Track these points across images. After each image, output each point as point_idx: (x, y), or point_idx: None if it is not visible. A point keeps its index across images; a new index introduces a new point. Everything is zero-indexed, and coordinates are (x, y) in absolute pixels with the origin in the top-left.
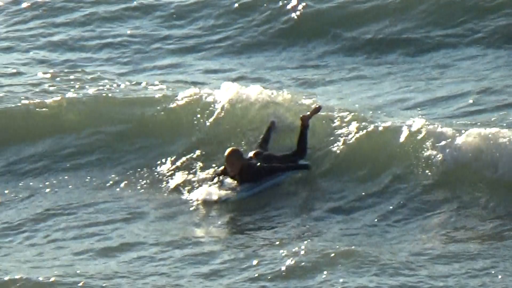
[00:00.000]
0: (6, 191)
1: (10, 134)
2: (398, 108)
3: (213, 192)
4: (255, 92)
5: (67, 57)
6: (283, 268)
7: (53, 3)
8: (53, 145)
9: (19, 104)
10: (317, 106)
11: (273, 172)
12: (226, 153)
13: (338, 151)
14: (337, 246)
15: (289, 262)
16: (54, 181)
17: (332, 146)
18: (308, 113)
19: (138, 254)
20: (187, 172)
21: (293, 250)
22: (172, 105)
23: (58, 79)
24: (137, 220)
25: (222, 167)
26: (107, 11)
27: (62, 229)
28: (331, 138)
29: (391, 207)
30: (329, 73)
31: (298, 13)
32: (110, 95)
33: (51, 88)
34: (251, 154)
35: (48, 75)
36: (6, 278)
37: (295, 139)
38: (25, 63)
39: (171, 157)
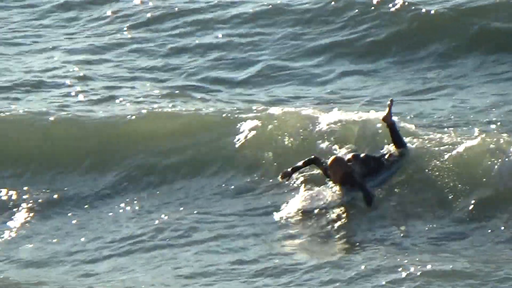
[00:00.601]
0: (136, 199)
1: (132, 139)
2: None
3: (319, 199)
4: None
5: (157, 65)
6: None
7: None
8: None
9: (143, 111)
10: (390, 100)
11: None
12: (329, 161)
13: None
14: (450, 264)
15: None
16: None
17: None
18: (385, 113)
19: (257, 267)
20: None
21: (403, 263)
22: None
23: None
24: (252, 231)
25: (323, 173)
26: (197, 20)
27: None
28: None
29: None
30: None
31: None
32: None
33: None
34: (349, 156)
35: (158, 86)
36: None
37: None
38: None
39: (271, 166)
